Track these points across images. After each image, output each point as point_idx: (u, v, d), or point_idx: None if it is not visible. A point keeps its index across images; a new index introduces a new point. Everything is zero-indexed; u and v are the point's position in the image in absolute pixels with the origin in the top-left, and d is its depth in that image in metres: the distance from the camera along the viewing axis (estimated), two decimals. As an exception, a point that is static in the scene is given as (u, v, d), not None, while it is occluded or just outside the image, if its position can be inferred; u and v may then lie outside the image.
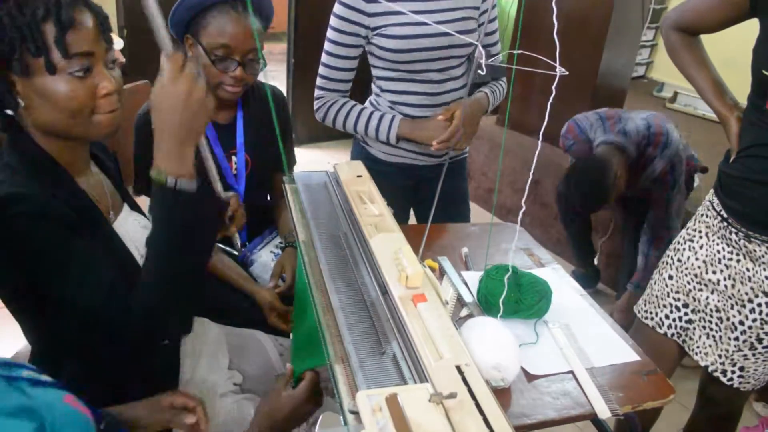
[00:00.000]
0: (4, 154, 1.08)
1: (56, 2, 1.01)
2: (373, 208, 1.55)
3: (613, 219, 2.88)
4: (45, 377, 0.86)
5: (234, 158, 1.74)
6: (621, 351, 1.34)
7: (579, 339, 1.34)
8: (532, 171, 1.17)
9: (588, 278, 3.15)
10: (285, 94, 4.50)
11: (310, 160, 4.37)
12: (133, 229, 1.29)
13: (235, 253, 1.77)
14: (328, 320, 1.20)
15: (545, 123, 1.05)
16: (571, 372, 1.24)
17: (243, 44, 1.56)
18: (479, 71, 1.06)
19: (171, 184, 1.04)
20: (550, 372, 1.25)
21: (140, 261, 1.24)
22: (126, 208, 1.31)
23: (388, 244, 1.40)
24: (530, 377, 1.23)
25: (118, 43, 3.56)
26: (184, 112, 1.05)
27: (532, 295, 1.36)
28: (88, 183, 1.20)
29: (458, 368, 1.05)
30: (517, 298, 1.35)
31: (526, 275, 1.41)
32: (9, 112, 1.07)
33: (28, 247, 1.00)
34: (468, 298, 1.41)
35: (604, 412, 1.14)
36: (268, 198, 2.02)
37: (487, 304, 1.39)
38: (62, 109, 1.05)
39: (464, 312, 1.37)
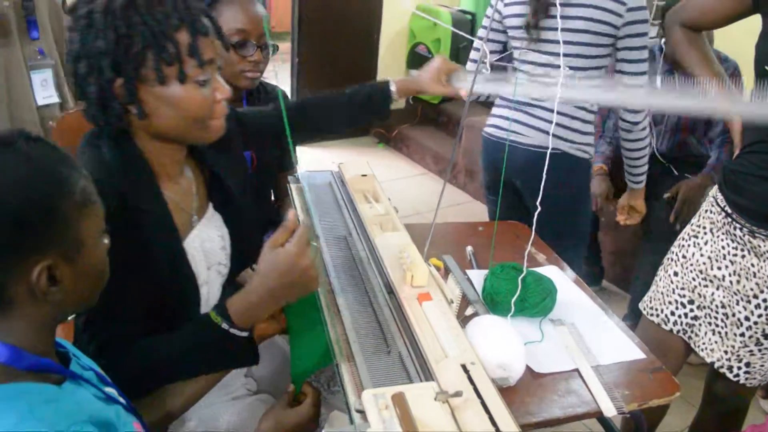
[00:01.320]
0: (102, 147, 1.08)
1: (187, 10, 1.02)
2: (378, 207, 1.56)
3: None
4: (121, 399, 0.91)
5: None
6: (627, 349, 1.34)
7: (584, 337, 1.34)
8: (544, 173, 1.17)
9: (593, 276, 3.14)
10: (290, 94, 4.54)
11: (314, 160, 4.37)
12: (209, 237, 1.26)
13: None
14: (334, 319, 1.21)
15: (553, 124, 1.05)
16: (577, 370, 1.24)
17: (257, 28, 1.59)
18: (483, 70, 1.06)
19: (225, 327, 1.05)
20: (556, 370, 1.25)
21: (205, 275, 1.24)
22: (210, 208, 1.27)
23: (393, 243, 1.40)
24: (536, 375, 1.23)
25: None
26: (292, 287, 1.06)
27: (537, 294, 1.36)
28: (176, 190, 1.18)
29: (464, 367, 1.05)
30: (522, 297, 1.35)
31: (531, 273, 1.41)
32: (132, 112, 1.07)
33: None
34: (473, 296, 1.41)
35: (609, 410, 1.15)
36: (273, 197, 2.03)
37: (492, 302, 1.39)
38: (186, 116, 1.06)
39: (469, 311, 1.38)
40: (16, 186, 0.73)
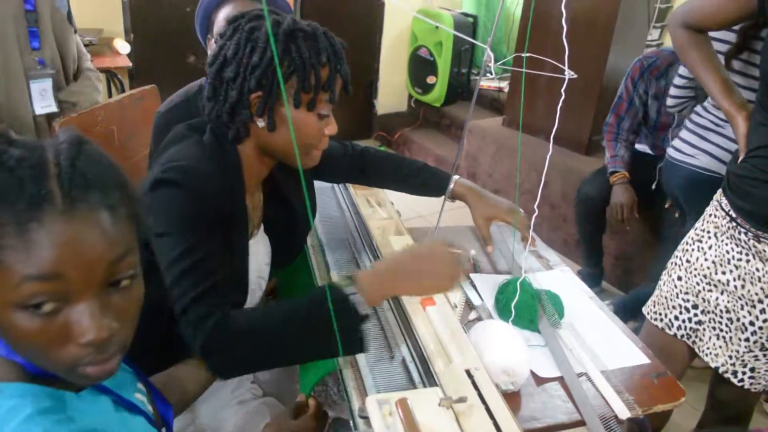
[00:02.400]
0: (207, 148, 1.16)
1: (335, 53, 1.15)
2: (381, 212, 1.56)
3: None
4: (149, 408, 0.89)
5: None
6: (630, 354, 1.34)
7: (588, 341, 1.34)
8: (544, 175, 1.16)
9: (594, 278, 3.14)
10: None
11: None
12: (262, 251, 1.34)
13: None
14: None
15: (555, 126, 1.05)
16: (585, 374, 1.23)
17: None
18: (488, 74, 1.05)
19: (349, 292, 1.05)
20: (560, 375, 1.24)
21: (253, 282, 1.30)
22: (262, 226, 1.35)
23: (397, 247, 1.40)
24: (540, 380, 1.23)
25: (125, 48, 3.57)
26: (424, 273, 1.11)
27: (549, 312, 1.36)
28: (251, 201, 1.27)
29: (468, 372, 1.05)
30: (531, 317, 1.34)
31: (546, 292, 1.41)
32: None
33: (168, 215, 1.05)
34: (476, 301, 1.41)
35: (623, 412, 1.14)
36: None
37: (502, 311, 1.37)
38: (300, 140, 1.15)
39: (473, 315, 1.37)
40: None
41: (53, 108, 1.94)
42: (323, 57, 1.12)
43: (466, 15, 4.66)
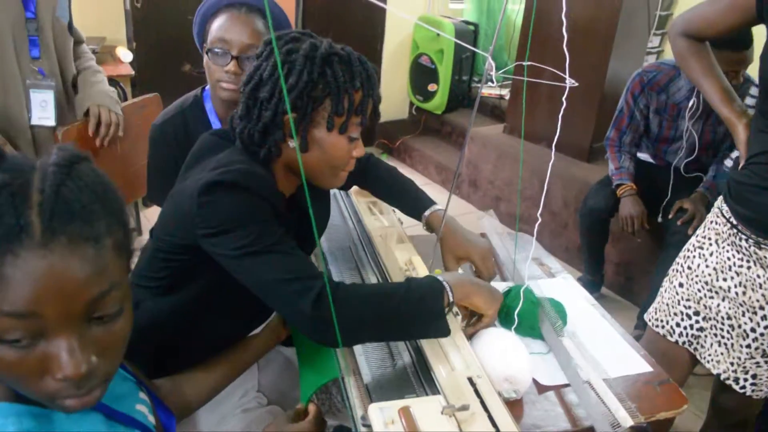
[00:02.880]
0: (254, 161, 1.18)
1: (368, 78, 1.17)
2: (383, 219, 1.56)
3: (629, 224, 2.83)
4: (150, 420, 0.88)
5: None
6: (633, 362, 1.33)
7: (590, 349, 1.34)
8: (546, 182, 1.17)
9: (594, 284, 3.14)
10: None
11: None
12: None
13: None
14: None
15: (557, 134, 1.05)
16: (587, 382, 1.23)
17: (241, 38, 1.56)
18: (489, 82, 1.06)
19: (444, 279, 1.15)
20: (563, 383, 1.24)
21: None
22: None
23: (399, 254, 1.40)
24: (542, 388, 1.23)
25: (127, 56, 3.59)
26: (495, 303, 1.25)
27: (552, 319, 1.36)
28: None
29: (470, 380, 1.05)
30: (532, 324, 1.34)
31: (550, 300, 1.40)
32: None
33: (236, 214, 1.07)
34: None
35: (626, 420, 1.14)
36: None
37: (506, 318, 1.37)
38: (329, 161, 1.19)
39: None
40: None
41: (51, 122, 1.93)
42: (357, 82, 1.15)
43: (468, 23, 4.68)
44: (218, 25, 1.57)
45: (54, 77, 1.94)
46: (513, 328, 1.29)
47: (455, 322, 1.19)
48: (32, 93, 1.89)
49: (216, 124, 1.68)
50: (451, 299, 1.14)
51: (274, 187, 1.16)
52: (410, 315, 1.09)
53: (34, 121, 1.92)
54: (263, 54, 1.17)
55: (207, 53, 1.58)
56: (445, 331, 1.12)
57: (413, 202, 1.54)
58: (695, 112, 2.56)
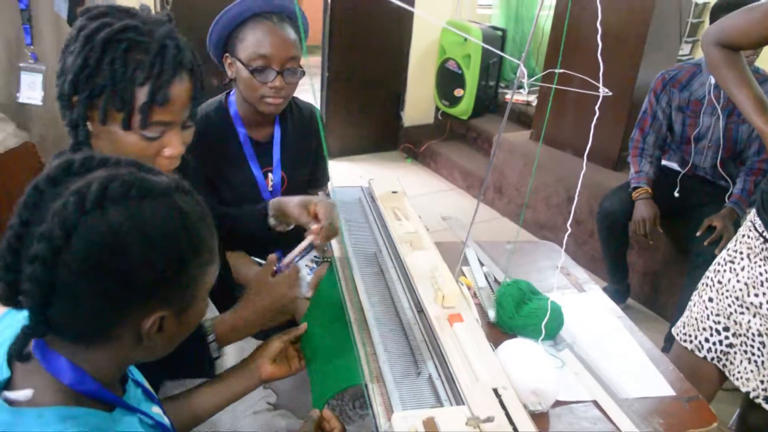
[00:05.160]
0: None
1: (158, 75, 1.02)
2: (408, 225, 1.55)
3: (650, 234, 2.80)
4: (166, 420, 0.91)
5: (270, 175, 1.74)
6: (656, 384, 1.30)
7: (607, 367, 1.31)
8: (577, 193, 1.15)
9: (619, 294, 3.10)
10: (319, 107, 4.56)
11: (342, 173, 4.39)
12: None
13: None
14: (364, 338, 1.20)
15: (590, 143, 1.04)
16: (593, 401, 1.21)
17: (281, 53, 1.56)
18: (519, 90, 1.04)
19: (210, 340, 1.17)
20: (572, 399, 1.22)
21: None
22: None
23: (424, 261, 1.39)
24: (565, 402, 1.21)
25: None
26: (276, 313, 1.24)
27: (530, 318, 1.35)
28: None
29: (495, 391, 1.03)
30: (511, 315, 1.35)
31: (537, 301, 1.39)
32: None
33: None
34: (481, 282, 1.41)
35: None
36: None
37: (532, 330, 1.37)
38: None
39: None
40: (164, 240, 0.72)
41: (38, 101, 2.11)
42: (139, 76, 1.01)
43: (495, 28, 4.66)
44: (255, 39, 1.55)
45: (45, 62, 2.10)
46: (541, 339, 1.28)
47: (480, 331, 1.18)
48: (23, 74, 2.10)
49: (241, 129, 1.69)
50: (215, 356, 1.18)
51: None
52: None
53: (22, 99, 2.11)
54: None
55: (247, 69, 1.56)
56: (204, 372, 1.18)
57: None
58: (716, 107, 2.54)
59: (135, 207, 0.71)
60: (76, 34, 1.04)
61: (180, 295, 0.76)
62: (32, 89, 2.12)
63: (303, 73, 1.63)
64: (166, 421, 0.92)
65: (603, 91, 0.96)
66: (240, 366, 1.21)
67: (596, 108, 0.96)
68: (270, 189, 1.73)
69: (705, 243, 2.45)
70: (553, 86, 1.06)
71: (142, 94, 1.02)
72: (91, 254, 0.68)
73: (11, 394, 0.73)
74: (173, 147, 1.08)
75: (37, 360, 0.75)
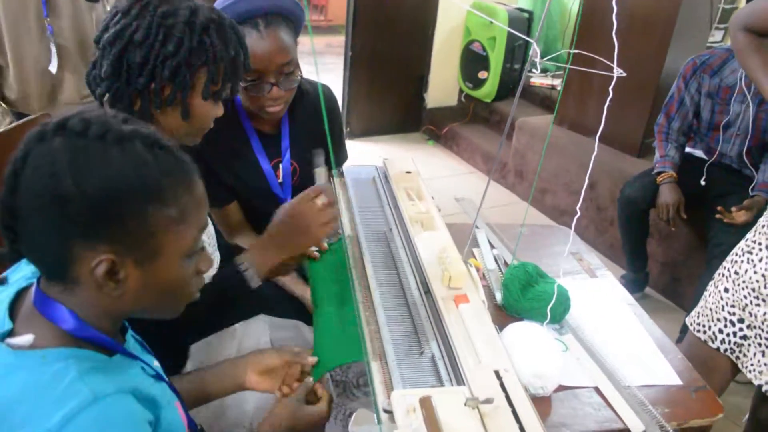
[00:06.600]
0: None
1: (241, 46, 1.19)
2: (420, 205, 1.54)
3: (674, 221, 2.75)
4: (164, 376, 0.93)
5: (280, 166, 1.72)
6: (663, 372, 1.29)
7: (616, 353, 1.30)
8: (588, 174, 1.13)
9: (638, 283, 3.07)
10: (342, 87, 4.55)
11: (363, 152, 4.39)
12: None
13: None
14: (368, 316, 1.20)
15: (602, 125, 1.02)
16: (595, 387, 1.20)
17: (272, 63, 1.48)
18: (533, 69, 1.03)
19: (242, 268, 1.20)
20: (575, 384, 1.21)
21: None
22: None
23: (434, 242, 1.38)
24: (569, 386, 1.20)
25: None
26: (303, 236, 1.24)
27: (536, 301, 1.34)
28: None
29: (497, 373, 1.03)
30: (517, 297, 1.34)
31: (544, 284, 1.38)
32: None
33: None
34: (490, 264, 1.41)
35: (637, 426, 1.11)
36: None
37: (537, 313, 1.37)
38: (198, 125, 1.21)
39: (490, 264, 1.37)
40: (112, 177, 0.73)
41: (53, 69, 2.23)
42: (231, 50, 1.15)
43: (522, 10, 4.59)
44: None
45: (61, 36, 2.20)
46: (546, 323, 1.27)
47: (486, 312, 1.17)
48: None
49: (247, 123, 1.65)
50: (257, 278, 1.21)
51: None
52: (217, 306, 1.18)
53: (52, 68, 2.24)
54: (131, 12, 1.11)
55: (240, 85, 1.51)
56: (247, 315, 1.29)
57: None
58: (747, 95, 2.48)
59: (81, 141, 0.73)
60: (158, 20, 1.09)
61: (132, 241, 0.76)
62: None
63: (301, 76, 1.58)
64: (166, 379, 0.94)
65: (617, 71, 0.94)
66: (229, 363, 1.19)
67: (610, 89, 0.94)
68: (280, 181, 1.71)
69: (725, 220, 2.41)
70: (567, 66, 1.04)
71: (232, 66, 1.16)
72: (34, 179, 0.72)
73: (13, 340, 0.76)
74: (221, 107, 1.22)
75: (37, 312, 0.78)
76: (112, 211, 0.74)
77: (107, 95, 1.15)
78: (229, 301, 1.23)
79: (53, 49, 2.19)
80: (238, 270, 1.21)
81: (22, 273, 0.87)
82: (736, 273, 1.63)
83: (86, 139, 0.73)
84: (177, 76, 1.11)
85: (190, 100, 1.15)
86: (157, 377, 0.89)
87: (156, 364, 0.94)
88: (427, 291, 1.25)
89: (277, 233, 1.24)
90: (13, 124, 1.77)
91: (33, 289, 0.81)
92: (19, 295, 0.83)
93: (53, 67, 2.21)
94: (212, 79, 1.13)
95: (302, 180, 1.73)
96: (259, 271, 1.22)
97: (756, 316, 1.58)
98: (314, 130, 1.74)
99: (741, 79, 2.48)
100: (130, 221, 0.75)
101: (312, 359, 1.19)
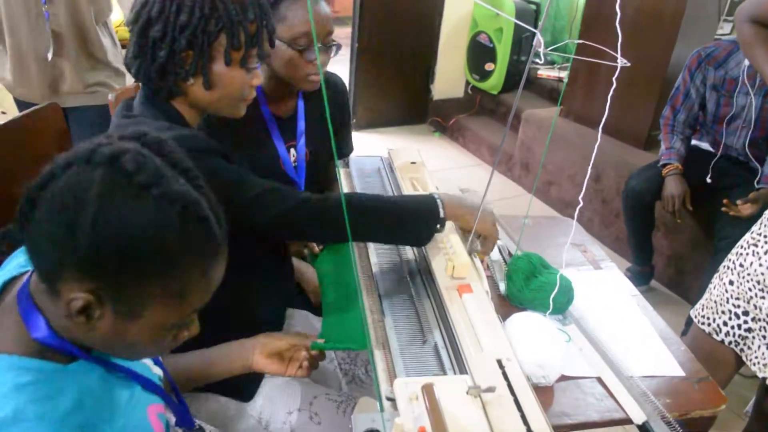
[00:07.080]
0: (160, 109, 1.19)
1: (261, 8, 1.16)
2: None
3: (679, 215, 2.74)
4: (155, 372, 0.93)
5: (294, 150, 1.72)
6: (666, 364, 1.29)
7: (619, 344, 1.30)
8: (590, 165, 1.13)
9: (643, 276, 3.07)
10: (348, 79, 4.54)
11: (369, 144, 4.39)
12: None
13: None
14: (372, 305, 1.20)
15: (605, 114, 1.02)
16: (598, 377, 1.20)
17: (323, 29, 1.52)
18: (537, 59, 1.02)
19: (438, 196, 1.27)
20: (577, 375, 1.22)
21: None
22: None
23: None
24: (572, 376, 1.20)
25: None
26: (486, 221, 1.31)
27: (539, 292, 1.35)
28: None
29: (499, 362, 1.03)
30: (520, 288, 1.34)
31: (547, 275, 1.38)
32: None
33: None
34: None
35: (639, 417, 1.11)
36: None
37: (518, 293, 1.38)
38: (229, 94, 1.20)
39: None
40: (129, 228, 0.70)
41: (48, 54, 2.21)
42: (250, 14, 1.14)
43: (529, 2, 4.57)
44: (296, 18, 1.48)
45: (57, 22, 2.18)
46: (548, 313, 1.27)
47: (489, 302, 1.18)
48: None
49: (264, 107, 1.66)
50: (441, 215, 1.23)
51: (207, 139, 1.18)
52: (403, 217, 1.22)
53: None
54: None
55: (291, 48, 1.49)
56: (425, 239, 1.26)
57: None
58: (753, 86, 2.47)
59: (123, 180, 0.70)
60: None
61: (121, 295, 0.73)
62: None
63: (340, 47, 1.60)
64: (154, 372, 0.94)
65: (621, 61, 0.94)
66: (237, 344, 1.18)
67: (614, 79, 0.94)
68: (294, 164, 1.72)
69: (731, 213, 2.41)
70: (572, 56, 1.04)
71: (253, 30, 1.15)
72: (62, 192, 0.70)
73: None
74: (258, 77, 1.22)
75: (15, 309, 0.77)
76: (114, 260, 0.70)
77: (137, 75, 1.18)
78: (411, 222, 1.25)
79: (50, 36, 2.19)
80: (434, 198, 1.26)
81: (17, 261, 0.86)
82: (741, 265, 1.63)
83: (129, 181, 0.70)
84: (194, 45, 1.12)
85: (211, 68, 1.15)
86: (130, 378, 0.87)
87: (146, 362, 0.92)
88: (431, 281, 1.26)
89: (472, 204, 1.30)
90: (20, 114, 1.76)
91: (23, 281, 0.79)
92: (7, 285, 0.82)
93: (49, 54, 2.20)
94: (232, 44, 1.13)
95: (314, 164, 1.74)
96: (448, 212, 1.26)
97: (761, 309, 1.58)
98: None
99: (744, 72, 2.47)
100: (126, 277, 0.72)
101: (318, 342, 1.20)
